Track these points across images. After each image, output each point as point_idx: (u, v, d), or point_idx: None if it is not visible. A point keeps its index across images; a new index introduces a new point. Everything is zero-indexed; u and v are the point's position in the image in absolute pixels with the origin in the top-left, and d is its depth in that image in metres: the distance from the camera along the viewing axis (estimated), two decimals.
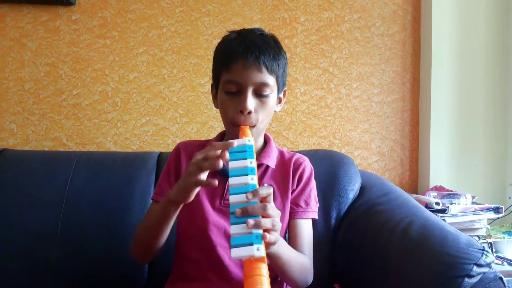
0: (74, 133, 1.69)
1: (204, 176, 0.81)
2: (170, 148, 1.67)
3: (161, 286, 1.05)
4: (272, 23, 1.77)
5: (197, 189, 0.83)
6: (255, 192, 0.73)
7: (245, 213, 0.71)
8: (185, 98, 1.73)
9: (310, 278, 1.00)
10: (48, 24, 1.68)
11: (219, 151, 0.78)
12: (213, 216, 0.98)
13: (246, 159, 0.79)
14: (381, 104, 1.83)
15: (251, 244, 0.68)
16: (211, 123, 1.73)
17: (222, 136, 1.09)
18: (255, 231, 0.69)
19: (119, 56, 1.71)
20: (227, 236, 0.97)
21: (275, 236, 0.75)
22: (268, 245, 0.74)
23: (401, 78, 1.84)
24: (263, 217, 0.73)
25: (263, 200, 0.75)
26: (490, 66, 1.83)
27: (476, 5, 1.81)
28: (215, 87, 1.02)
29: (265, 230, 0.72)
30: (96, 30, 1.70)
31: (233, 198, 0.74)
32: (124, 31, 1.71)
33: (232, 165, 0.78)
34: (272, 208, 0.75)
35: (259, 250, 0.67)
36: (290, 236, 1.02)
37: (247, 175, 0.77)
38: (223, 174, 0.99)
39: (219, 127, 1.69)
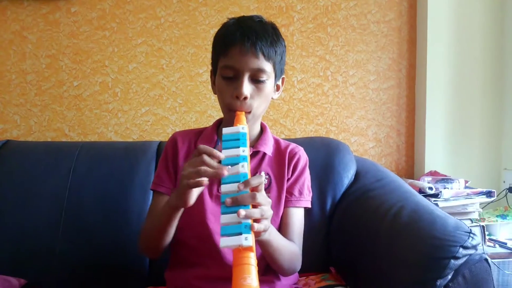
0: (76, 123, 1.72)
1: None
2: None
3: (163, 271, 1.08)
4: (268, 11, 1.79)
5: (194, 193, 0.83)
6: (246, 183, 0.74)
7: (235, 203, 0.72)
8: (184, 88, 1.76)
9: (298, 265, 1.03)
10: (48, 17, 1.71)
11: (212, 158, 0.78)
12: (210, 204, 1.01)
13: (238, 147, 0.80)
14: (377, 91, 1.85)
15: (240, 234, 0.69)
16: (209, 112, 1.77)
17: (219, 124, 1.11)
18: (244, 220, 0.71)
19: (118, 47, 1.73)
20: None
21: (264, 225, 0.77)
22: (257, 234, 0.77)
23: (397, 65, 1.86)
24: (253, 206, 0.74)
25: (254, 189, 0.76)
26: (486, 52, 1.84)
27: None
28: (213, 73, 1.04)
29: (255, 220, 0.74)
30: (95, 21, 1.72)
31: (224, 188, 0.75)
32: (122, 22, 1.73)
33: (224, 153, 0.79)
34: (262, 196, 0.76)
35: (247, 240, 0.69)
36: (282, 223, 1.04)
37: (238, 163, 0.78)
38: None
39: (218, 116, 1.72)
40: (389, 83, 1.86)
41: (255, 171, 1.05)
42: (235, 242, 0.69)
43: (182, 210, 0.89)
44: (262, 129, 1.12)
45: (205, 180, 0.78)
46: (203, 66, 1.76)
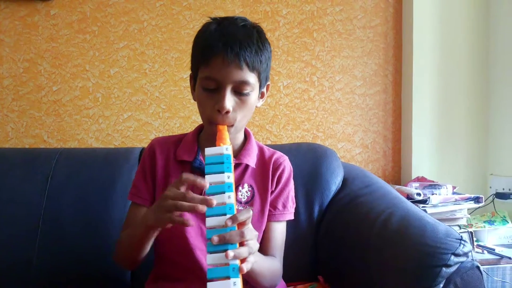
0: (55, 129, 1.66)
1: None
2: None
3: (145, 282, 1.04)
4: (254, 16, 1.76)
5: None
6: (234, 219, 0.70)
7: (222, 241, 0.69)
8: (167, 93, 1.72)
9: (278, 281, 1.01)
10: (26, 19, 1.65)
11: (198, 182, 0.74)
12: (190, 218, 0.96)
13: (223, 172, 0.75)
14: (363, 97, 1.84)
15: (228, 278, 0.66)
16: (194, 118, 1.73)
17: (200, 130, 1.06)
18: (232, 262, 0.67)
19: (99, 51, 1.68)
20: (204, 238, 0.95)
21: (251, 262, 0.73)
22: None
23: (383, 70, 1.85)
24: (240, 244, 0.71)
25: (242, 224, 0.72)
26: (471, 57, 1.85)
27: None
28: (193, 78, 0.97)
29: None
30: (75, 25, 1.67)
31: (210, 222, 0.71)
32: (104, 26, 1.69)
33: (208, 179, 0.74)
34: (249, 232, 0.73)
35: (235, 285, 0.65)
36: (264, 237, 1.00)
37: (224, 192, 0.73)
38: (201, 171, 0.97)
39: None
40: (375, 89, 1.85)
41: (237, 183, 0.99)
42: None
43: (160, 229, 0.84)
44: (246, 136, 1.06)
45: (190, 222, 0.75)
46: (187, 71, 1.72)
